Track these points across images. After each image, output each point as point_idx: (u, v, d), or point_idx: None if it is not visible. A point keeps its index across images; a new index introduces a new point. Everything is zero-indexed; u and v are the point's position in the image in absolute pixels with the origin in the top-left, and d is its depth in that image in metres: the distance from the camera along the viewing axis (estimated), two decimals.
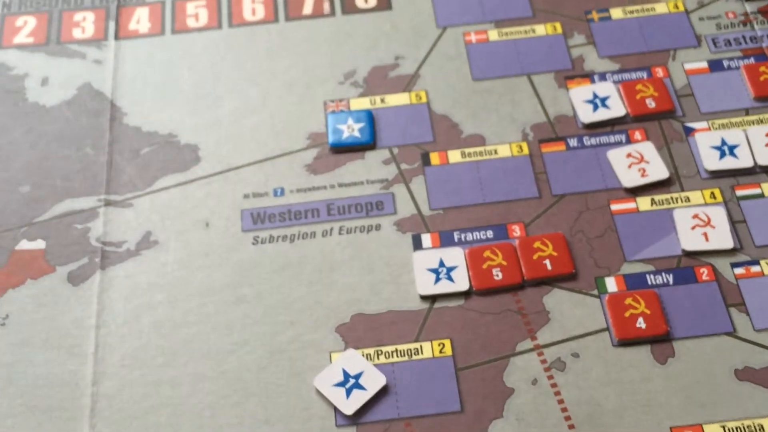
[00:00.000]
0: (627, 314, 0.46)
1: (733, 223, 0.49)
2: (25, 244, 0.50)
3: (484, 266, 0.48)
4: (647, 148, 0.52)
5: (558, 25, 0.57)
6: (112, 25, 0.59)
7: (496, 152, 0.53)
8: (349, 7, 0.59)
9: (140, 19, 0.59)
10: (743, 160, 0.51)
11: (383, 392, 0.45)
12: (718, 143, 0.51)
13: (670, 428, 0.43)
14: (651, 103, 0.53)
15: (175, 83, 0.56)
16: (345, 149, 0.53)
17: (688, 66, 0.55)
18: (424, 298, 0.48)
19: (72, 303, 0.48)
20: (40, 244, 0.50)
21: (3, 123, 0.55)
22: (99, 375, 0.46)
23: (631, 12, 0.58)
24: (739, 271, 0.47)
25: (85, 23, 0.59)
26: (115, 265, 0.49)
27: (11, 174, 0.53)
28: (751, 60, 0.55)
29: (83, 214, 0.51)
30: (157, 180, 0.52)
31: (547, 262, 0.48)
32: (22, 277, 0.49)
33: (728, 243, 0.48)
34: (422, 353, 0.46)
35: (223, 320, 0.48)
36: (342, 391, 0.45)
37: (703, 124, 0.53)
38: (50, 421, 0.45)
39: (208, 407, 0.45)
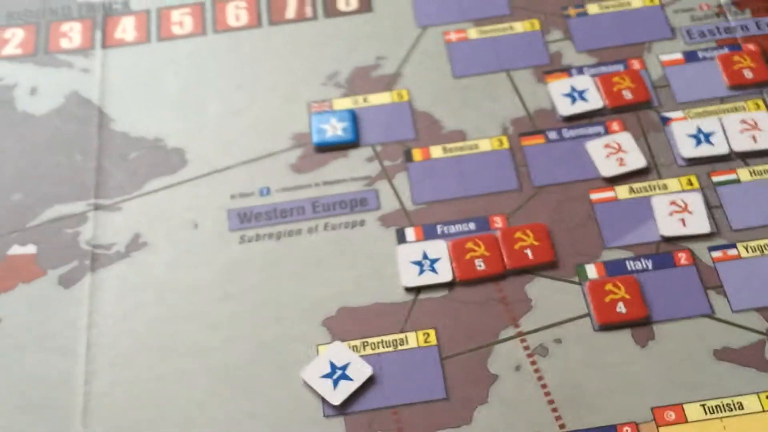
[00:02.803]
0: (607, 299, 0.47)
1: (709, 208, 0.50)
2: (16, 249, 0.51)
3: (467, 257, 0.49)
4: (625, 138, 0.53)
5: (536, 22, 0.59)
6: (98, 34, 0.60)
7: (477, 147, 0.53)
8: (331, 11, 0.60)
9: (126, 28, 0.60)
10: (719, 147, 0.52)
11: (370, 382, 0.46)
12: (694, 131, 0.52)
13: (652, 409, 0.44)
14: (628, 95, 0.54)
15: (161, 89, 0.57)
16: (329, 148, 0.54)
17: (664, 57, 0.56)
18: (408, 290, 0.48)
19: (64, 305, 0.49)
20: (31, 248, 0.51)
21: None
22: (90, 374, 0.47)
23: (607, 7, 0.59)
24: (716, 254, 0.48)
25: (72, 33, 0.60)
26: (105, 267, 0.50)
27: (2, 182, 0.54)
28: (725, 50, 0.56)
29: (73, 219, 0.52)
30: (145, 183, 0.53)
31: (529, 251, 0.49)
32: (14, 281, 0.50)
33: (705, 228, 0.49)
34: (408, 343, 0.47)
35: (211, 318, 0.48)
36: (329, 382, 0.45)
37: (679, 114, 0.54)
38: (43, 421, 0.45)
39: (196, 403, 0.46)
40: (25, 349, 0.48)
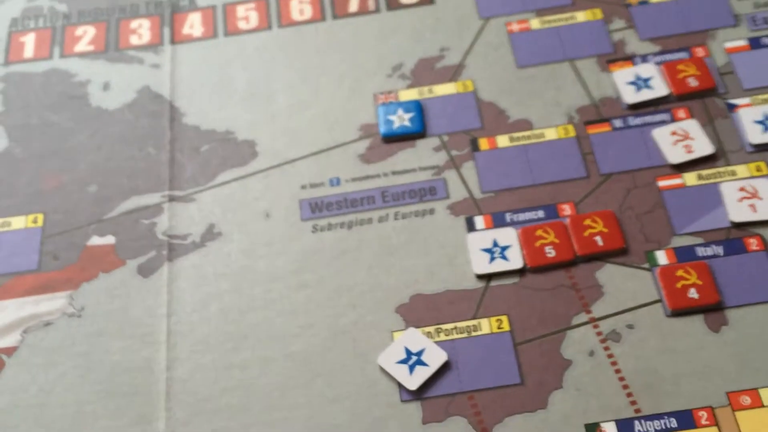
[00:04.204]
0: (679, 285, 0.47)
1: None
2: (96, 240, 0.53)
3: (537, 244, 0.50)
4: (692, 126, 0.53)
5: (598, 11, 0.59)
6: (167, 30, 0.61)
7: (543, 135, 0.54)
8: (393, 3, 0.61)
9: (193, 23, 0.62)
10: None
11: (445, 368, 0.47)
12: (761, 117, 0.53)
13: (727, 393, 0.44)
14: (693, 82, 0.54)
15: (230, 83, 0.59)
16: (396, 138, 0.55)
17: (728, 45, 0.56)
18: (479, 277, 0.49)
19: (143, 294, 0.51)
20: (110, 239, 0.53)
21: (69, 127, 0.57)
22: (172, 361, 0.48)
23: None
24: None
25: (141, 30, 0.62)
26: (181, 257, 0.52)
27: (79, 175, 0.55)
28: None
29: (149, 210, 0.54)
30: (217, 175, 0.55)
31: (598, 238, 0.49)
32: (94, 271, 0.52)
33: None
34: (481, 329, 0.48)
35: (287, 305, 0.50)
36: (405, 367, 0.46)
37: (745, 100, 0.54)
38: (128, 406, 0.47)
39: (277, 388, 0.47)
40: (108, 336, 0.49)
